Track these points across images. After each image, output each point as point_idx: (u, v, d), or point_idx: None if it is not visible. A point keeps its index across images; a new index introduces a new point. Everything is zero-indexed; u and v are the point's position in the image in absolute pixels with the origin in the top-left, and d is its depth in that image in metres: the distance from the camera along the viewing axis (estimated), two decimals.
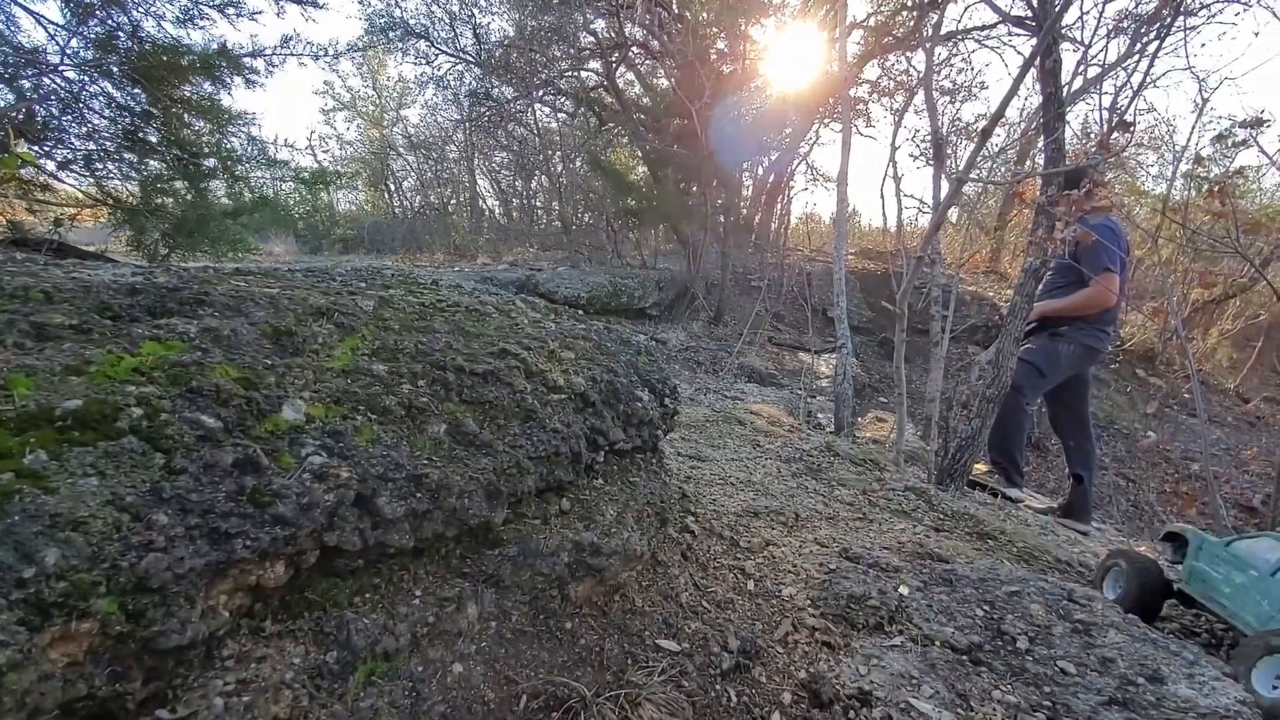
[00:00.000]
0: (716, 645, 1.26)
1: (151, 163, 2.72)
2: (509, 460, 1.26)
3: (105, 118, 2.58)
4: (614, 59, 9.72)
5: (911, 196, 5.71)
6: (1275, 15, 2.66)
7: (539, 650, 1.13)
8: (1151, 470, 6.86)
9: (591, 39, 9.48)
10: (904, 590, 1.53)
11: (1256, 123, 2.40)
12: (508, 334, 1.63)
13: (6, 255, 1.32)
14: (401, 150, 13.74)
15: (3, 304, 1.01)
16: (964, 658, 1.30)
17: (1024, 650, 1.32)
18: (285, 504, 0.91)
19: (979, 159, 3.68)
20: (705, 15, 9.06)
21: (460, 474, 1.15)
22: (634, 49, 9.73)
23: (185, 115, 2.71)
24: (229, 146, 2.62)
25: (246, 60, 2.64)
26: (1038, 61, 3.43)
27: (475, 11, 9.96)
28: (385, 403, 1.17)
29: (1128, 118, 2.73)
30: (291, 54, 2.82)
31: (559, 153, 11.47)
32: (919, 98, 8.77)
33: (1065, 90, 3.65)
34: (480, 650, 1.09)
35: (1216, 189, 1.92)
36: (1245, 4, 3.63)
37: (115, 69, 2.55)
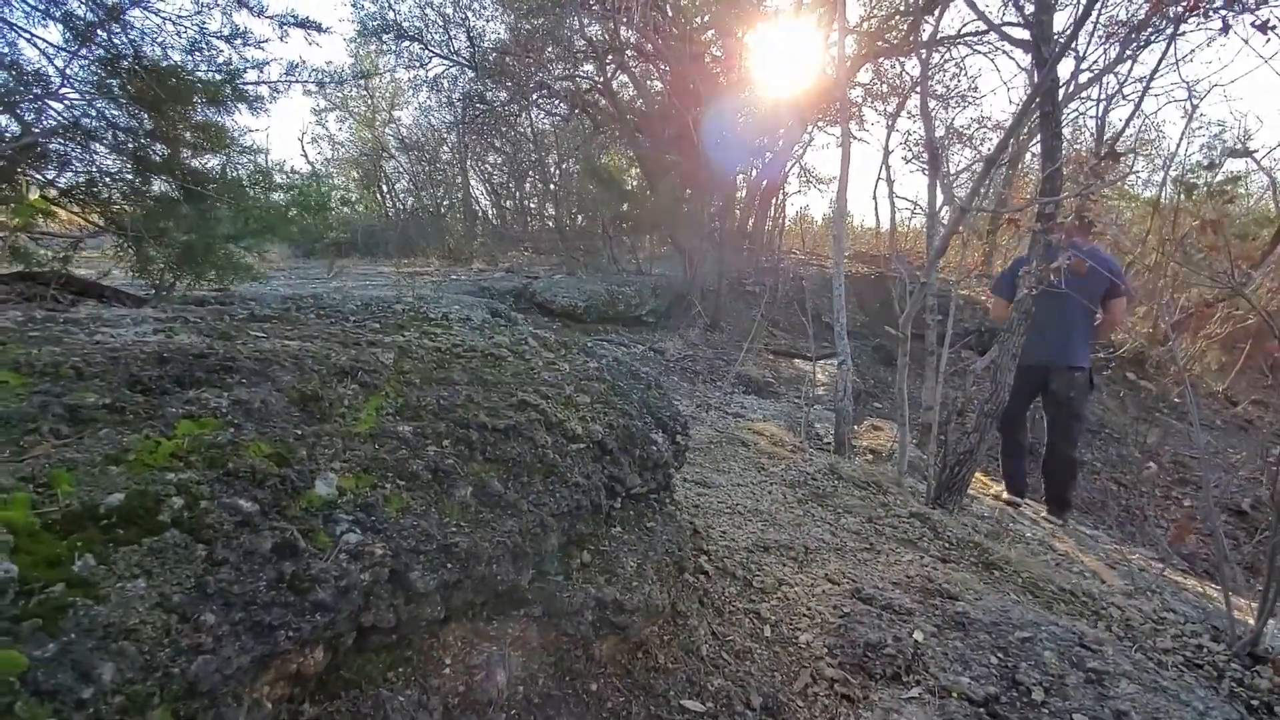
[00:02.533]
0: (740, 703, 1.28)
1: (156, 186, 2.71)
2: (533, 520, 1.27)
3: (108, 142, 2.57)
4: (609, 61, 9.70)
5: (904, 199, 5.77)
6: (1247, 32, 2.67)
7: (567, 716, 1.14)
8: (1143, 474, 6.94)
9: (584, 43, 9.46)
10: (918, 636, 1.55)
11: (1244, 153, 2.43)
12: (525, 381, 1.64)
13: (26, 315, 1.31)
14: (394, 151, 13.67)
15: (35, 383, 1.01)
16: (981, 710, 1.33)
17: (1040, 702, 1.34)
18: (324, 589, 0.91)
19: (973, 165, 3.73)
20: (700, 20, 9.06)
21: (488, 539, 1.16)
22: (629, 52, 9.71)
23: (190, 136, 2.70)
24: (234, 176, 2.62)
25: (251, 88, 2.64)
26: (1036, 77, 3.46)
27: (469, 15, 9.93)
28: (413, 467, 1.18)
29: (1118, 147, 2.74)
30: (296, 80, 2.82)
31: (553, 155, 11.44)
32: (912, 102, 8.82)
33: (1062, 93, 3.69)
34: (510, 718, 1.10)
35: (1209, 225, 1.95)
36: (1237, 12, 3.68)
37: (118, 91, 2.54)
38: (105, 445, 0.92)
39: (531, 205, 13.70)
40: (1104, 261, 3.84)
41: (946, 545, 2.35)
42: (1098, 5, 5.89)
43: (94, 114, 2.39)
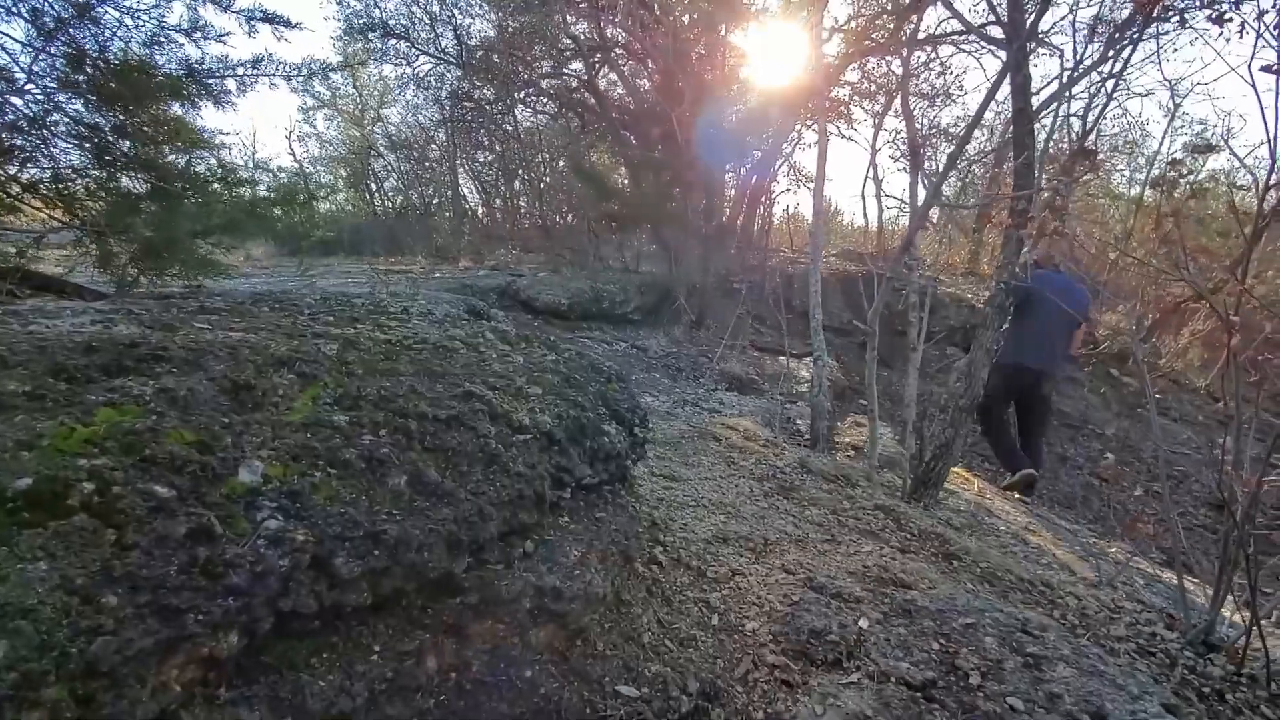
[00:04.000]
0: (676, 689, 1.29)
1: (122, 182, 2.70)
2: (471, 508, 1.27)
3: (72, 138, 2.56)
4: (595, 60, 9.71)
5: (892, 196, 5.81)
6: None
7: (498, 702, 1.15)
8: (1123, 470, 6.99)
9: (570, 42, 9.46)
10: (864, 623, 1.56)
11: (1207, 148, 2.47)
12: (474, 372, 1.65)
13: None
14: (383, 150, 13.63)
15: None
16: (918, 695, 1.34)
17: (975, 686, 1.36)
18: (239, 573, 0.92)
19: (957, 157, 3.78)
20: (687, 19, 9.07)
21: (420, 527, 1.17)
22: (616, 50, 9.71)
23: (154, 132, 2.69)
24: (197, 171, 2.61)
25: (215, 82, 2.63)
26: (1008, 77, 3.48)
27: (456, 13, 9.91)
28: (345, 456, 1.18)
29: (1098, 142, 2.77)
30: (263, 74, 2.81)
31: (541, 154, 11.44)
32: (899, 100, 8.84)
33: (1046, 91, 3.72)
34: (439, 704, 1.11)
35: (1170, 215, 1.97)
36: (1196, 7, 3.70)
37: (84, 86, 2.53)
38: (19, 431, 0.92)
39: (521, 204, 13.68)
40: (1078, 291, 4.31)
41: (908, 536, 2.37)
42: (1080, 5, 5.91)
43: (56, 109, 2.38)
